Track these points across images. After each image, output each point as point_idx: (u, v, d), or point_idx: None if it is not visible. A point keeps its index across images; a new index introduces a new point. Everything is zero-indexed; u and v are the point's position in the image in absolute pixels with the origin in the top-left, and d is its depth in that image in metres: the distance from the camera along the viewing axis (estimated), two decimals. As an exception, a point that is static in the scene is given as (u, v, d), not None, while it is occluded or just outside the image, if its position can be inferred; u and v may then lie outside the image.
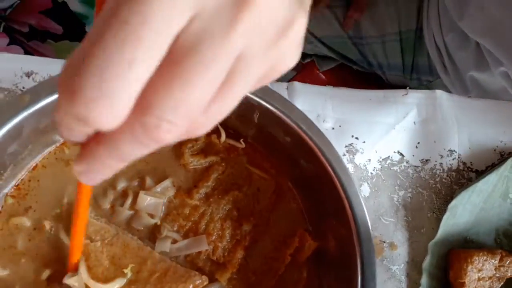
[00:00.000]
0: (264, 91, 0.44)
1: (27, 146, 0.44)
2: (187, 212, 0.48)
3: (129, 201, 0.47)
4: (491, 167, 0.57)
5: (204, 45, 0.18)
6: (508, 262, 0.51)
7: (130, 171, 0.49)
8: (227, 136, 0.51)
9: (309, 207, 0.50)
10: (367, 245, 0.43)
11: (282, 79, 0.45)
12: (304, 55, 0.94)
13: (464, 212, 0.54)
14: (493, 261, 0.51)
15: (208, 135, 0.50)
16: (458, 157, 0.57)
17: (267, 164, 0.51)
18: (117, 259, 0.44)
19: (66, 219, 0.46)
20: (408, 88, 0.59)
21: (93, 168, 0.21)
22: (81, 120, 0.18)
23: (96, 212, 0.47)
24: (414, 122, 0.58)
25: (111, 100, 0.18)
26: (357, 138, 0.56)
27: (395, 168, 0.56)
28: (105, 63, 0.17)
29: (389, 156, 0.56)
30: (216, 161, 0.50)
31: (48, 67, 0.52)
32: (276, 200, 0.50)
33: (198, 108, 0.19)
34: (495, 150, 0.58)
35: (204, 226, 0.48)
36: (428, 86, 0.86)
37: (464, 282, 0.50)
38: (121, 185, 0.48)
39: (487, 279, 0.50)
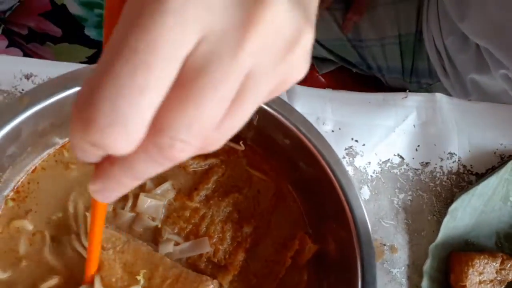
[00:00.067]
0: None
1: (26, 149, 0.44)
2: (188, 215, 0.48)
3: (129, 203, 0.47)
4: (491, 170, 0.57)
5: (212, 67, 0.18)
6: (509, 265, 0.51)
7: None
8: (226, 139, 0.50)
9: (309, 209, 0.50)
10: (367, 248, 0.42)
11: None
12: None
13: (465, 215, 0.54)
14: (494, 264, 0.50)
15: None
16: (458, 160, 0.57)
17: (266, 167, 0.51)
18: (129, 266, 0.44)
19: (71, 226, 0.46)
20: (407, 91, 0.59)
21: (109, 187, 0.22)
22: (96, 146, 0.19)
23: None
24: (414, 125, 0.58)
25: (125, 127, 0.18)
26: (357, 141, 0.56)
27: (395, 171, 0.56)
28: (117, 91, 0.18)
29: (389, 159, 0.56)
30: (216, 164, 0.50)
31: (47, 69, 0.52)
32: (276, 202, 0.50)
33: (210, 126, 0.20)
34: (495, 153, 0.58)
35: (204, 228, 0.48)
36: (428, 89, 0.86)
37: (465, 285, 0.50)
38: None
39: (488, 282, 0.50)
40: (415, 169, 0.57)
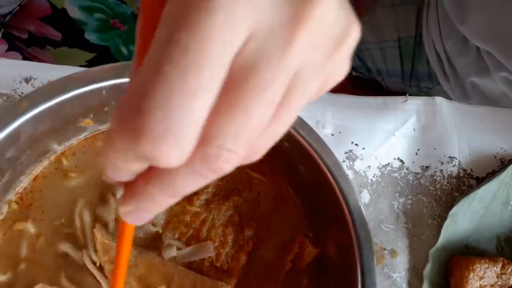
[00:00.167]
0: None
1: (25, 152, 0.44)
2: (188, 219, 0.48)
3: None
4: (492, 174, 0.57)
5: (261, 67, 0.18)
6: (510, 269, 0.51)
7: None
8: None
9: (309, 213, 0.50)
10: (367, 252, 0.42)
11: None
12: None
13: (465, 219, 0.54)
14: (495, 268, 0.50)
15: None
16: (459, 164, 0.57)
17: (266, 169, 0.51)
18: (143, 279, 0.43)
19: (80, 239, 0.46)
20: (407, 94, 0.59)
21: (143, 207, 0.20)
22: (146, 159, 0.17)
23: (106, 231, 0.46)
24: (414, 129, 0.58)
25: (179, 135, 0.17)
26: (356, 144, 0.56)
27: (395, 174, 0.56)
28: (169, 96, 0.16)
29: (389, 163, 0.56)
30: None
31: (47, 72, 0.52)
32: (277, 205, 0.50)
33: (257, 133, 0.18)
34: (495, 157, 0.58)
35: (205, 232, 0.47)
36: (428, 92, 0.86)
37: (466, 290, 0.49)
38: (121, 192, 0.48)
39: (489, 287, 0.50)
40: (415, 173, 0.56)
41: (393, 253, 0.53)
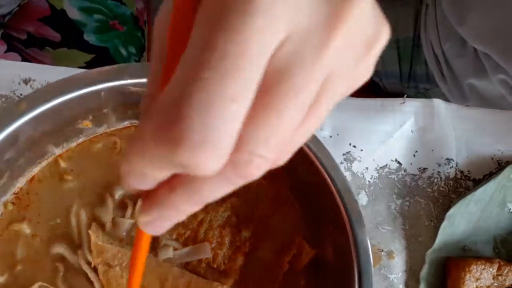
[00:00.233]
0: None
1: (24, 153, 0.44)
2: (186, 220, 0.48)
3: (129, 211, 0.47)
4: (489, 176, 0.57)
5: (295, 70, 0.17)
6: (506, 271, 0.51)
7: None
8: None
9: (307, 214, 0.50)
10: (365, 253, 0.42)
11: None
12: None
13: (462, 220, 0.54)
14: (491, 270, 0.50)
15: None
16: (456, 166, 0.57)
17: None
18: None
19: (75, 240, 0.46)
20: (405, 96, 0.59)
21: (164, 216, 0.20)
22: (182, 167, 0.17)
23: (102, 230, 0.46)
24: (412, 131, 0.58)
25: (217, 143, 0.16)
26: (354, 146, 0.56)
27: (392, 176, 0.56)
28: (208, 102, 0.16)
29: (386, 165, 0.56)
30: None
31: (45, 74, 0.52)
32: (274, 206, 0.50)
33: (287, 137, 0.18)
34: (492, 158, 0.58)
35: (203, 233, 0.48)
36: (426, 94, 0.86)
37: (462, 291, 0.50)
38: (119, 192, 0.48)
39: (485, 288, 0.50)
40: (412, 174, 0.57)
41: (390, 254, 0.53)
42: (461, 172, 0.57)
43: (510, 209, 0.55)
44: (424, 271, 0.51)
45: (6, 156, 0.42)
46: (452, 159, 0.58)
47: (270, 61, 0.17)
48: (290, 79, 0.17)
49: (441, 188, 0.57)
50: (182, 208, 0.19)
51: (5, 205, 0.46)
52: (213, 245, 0.47)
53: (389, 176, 0.56)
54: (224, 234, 0.48)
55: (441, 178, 0.57)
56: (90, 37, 0.79)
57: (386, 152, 0.57)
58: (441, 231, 0.52)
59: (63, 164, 0.48)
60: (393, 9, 0.82)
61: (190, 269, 0.47)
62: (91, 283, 0.44)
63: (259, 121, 0.17)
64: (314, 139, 0.44)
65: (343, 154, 0.56)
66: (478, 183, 0.57)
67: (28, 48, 0.76)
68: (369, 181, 0.55)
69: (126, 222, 0.47)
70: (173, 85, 0.17)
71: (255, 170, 0.18)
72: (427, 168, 0.57)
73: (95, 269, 0.44)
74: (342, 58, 0.18)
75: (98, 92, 0.42)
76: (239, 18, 0.16)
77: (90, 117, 0.46)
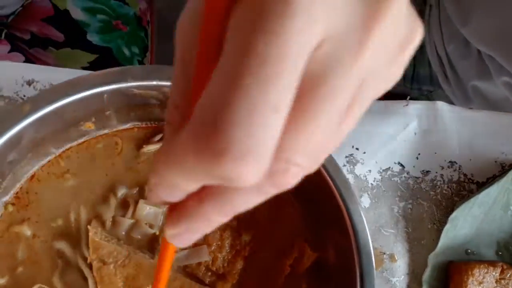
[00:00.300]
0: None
1: (27, 155, 0.44)
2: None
3: (131, 210, 0.47)
4: (492, 179, 0.57)
5: (333, 72, 0.16)
6: (509, 274, 0.51)
7: (129, 180, 0.48)
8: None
9: (308, 217, 0.50)
10: (367, 256, 0.42)
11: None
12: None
13: (465, 224, 0.54)
14: (494, 273, 0.50)
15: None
16: (459, 169, 0.57)
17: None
18: (130, 280, 0.43)
19: (74, 236, 0.46)
20: (408, 98, 0.59)
21: (193, 228, 0.19)
22: (221, 179, 0.16)
23: (102, 227, 0.47)
24: (415, 133, 0.58)
25: (259, 155, 0.15)
26: (357, 148, 0.56)
27: (395, 179, 0.56)
28: (250, 111, 0.15)
29: (389, 167, 0.56)
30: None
31: (49, 75, 0.52)
32: (276, 209, 0.50)
33: (324, 143, 0.17)
34: (496, 161, 0.58)
35: (203, 236, 0.48)
36: (429, 96, 0.86)
37: (465, 295, 0.49)
38: (121, 191, 0.48)
39: (488, 292, 0.50)
40: (415, 177, 0.56)
41: (392, 257, 0.53)
42: (465, 175, 0.57)
43: (513, 213, 0.55)
44: (426, 274, 0.51)
45: (10, 158, 0.42)
46: (455, 162, 0.57)
47: (307, 64, 0.16)
48: (328, 82, 0.16)
49: (444, 191, 0.56)
50: (213, 219, 0.19)
51: (5, 206, 0.46)
52: (213, 248, 0.47)
53: (392, 179, 0.56)
54: (224, 237, 0.48)
55: (444, 181, 0.57)
56: (93, 37, 0.79)
57: (389, 154, 0.57)
58: (444, 234, 0.52)
59: (62, 163, 0.48)
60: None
61: (188, 272, 0.47)
62: (86, 279, 0.44)
63: (296, 127, 0.16)
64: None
65: (346, 157, 0.56)
66: (481, 186, 0.57)
67: (31, 48, 0.77)
68: (371, 184, 0.55)
69: (126, 222, 0.47)
70: (211, 92, 0.16)
71: (292, 179, 0.17)
72: (430, 171, 0.57)
73: (90, 266, 0.45)
74: (378, 59, 0.18)
75: (101, 94, 0.42)
76: (278, 20, 0.15)
77: (93, 119, 0.46)
